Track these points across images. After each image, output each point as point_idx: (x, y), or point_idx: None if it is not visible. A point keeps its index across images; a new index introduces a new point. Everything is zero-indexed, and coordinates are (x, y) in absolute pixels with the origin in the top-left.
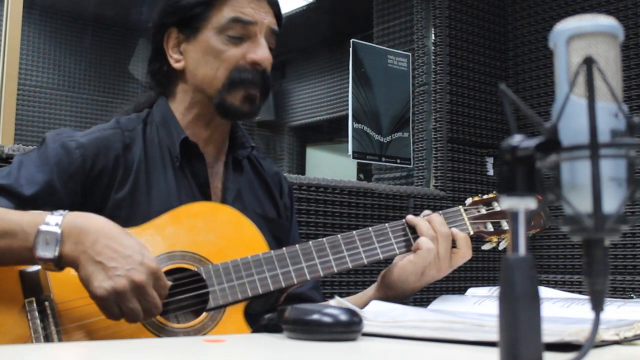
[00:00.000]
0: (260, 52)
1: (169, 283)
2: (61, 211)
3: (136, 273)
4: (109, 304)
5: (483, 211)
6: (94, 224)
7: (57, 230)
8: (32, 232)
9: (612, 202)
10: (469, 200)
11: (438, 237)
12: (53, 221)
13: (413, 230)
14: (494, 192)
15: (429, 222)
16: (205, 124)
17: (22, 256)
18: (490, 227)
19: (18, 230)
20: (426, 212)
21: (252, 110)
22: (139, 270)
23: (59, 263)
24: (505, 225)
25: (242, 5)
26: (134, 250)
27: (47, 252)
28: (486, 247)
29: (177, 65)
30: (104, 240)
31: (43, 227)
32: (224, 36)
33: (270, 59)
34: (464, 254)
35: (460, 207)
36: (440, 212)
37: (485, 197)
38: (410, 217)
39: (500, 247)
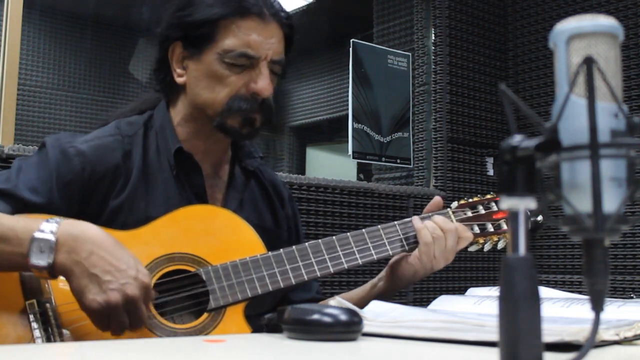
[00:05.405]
0: (261, 84)
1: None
2: (57, 218)
3: (130, 287)
4: (100, 317)
5: (469, 214)
6: (89, 234)
7: (52, 238)
8: (26, 238)
9: (612, 202)
10: (454, 204)
11: (446, 233)
12: (48, 228)
13: (405, 231)
14: (478, 195)
15: (433, 222)
16: (203, 138)
17: (14, 262)
18: (476, 229)
19: (12, 235)
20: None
21: (251, 132)
22: (133, 285)
23: (52, 271)
24: (490, 227)
25: (249, 32)
26: (128, 264)
27: (40, 260)
28: (472, 248)
29: (179, 80)
30: (100, 252)
31: (37, 234)
32: (227, 62)
33: (271, 90)
34: (467, 237)
35: (449, 209)
36: (430, 214)
37: (470, 200)
38: (416, 223)
39: (485, 249)
